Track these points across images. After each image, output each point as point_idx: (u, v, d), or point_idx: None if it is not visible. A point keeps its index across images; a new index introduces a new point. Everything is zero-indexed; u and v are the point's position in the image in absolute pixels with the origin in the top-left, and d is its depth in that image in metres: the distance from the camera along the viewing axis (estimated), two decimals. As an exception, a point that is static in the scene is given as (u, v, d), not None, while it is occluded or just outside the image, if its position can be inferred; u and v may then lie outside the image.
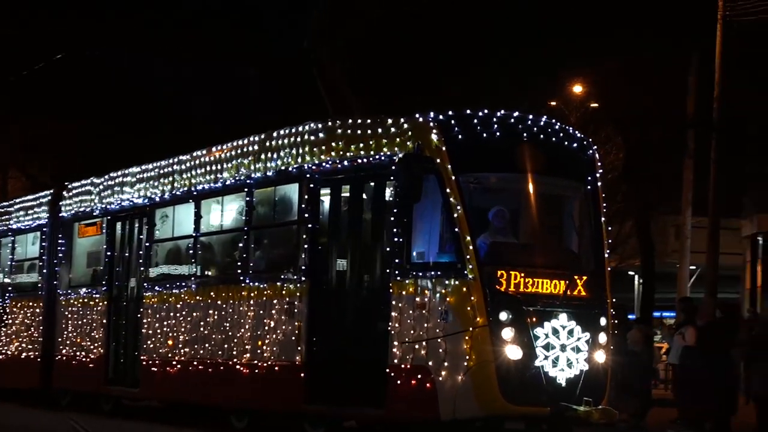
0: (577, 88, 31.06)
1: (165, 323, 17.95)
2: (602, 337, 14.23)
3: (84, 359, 19.97)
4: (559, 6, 28.58)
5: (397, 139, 14.46)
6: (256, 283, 16.18)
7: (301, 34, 17.89)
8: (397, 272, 14.24)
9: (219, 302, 16.85)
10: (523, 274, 13.91)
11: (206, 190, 17.51)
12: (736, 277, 33.09)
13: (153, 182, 18.80)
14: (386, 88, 25.98)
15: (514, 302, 13.77)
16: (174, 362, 17.65)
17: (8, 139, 36.70)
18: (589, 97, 31.07)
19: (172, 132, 31.44)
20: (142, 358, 18.39)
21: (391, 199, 14.51)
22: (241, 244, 16.67)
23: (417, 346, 13.97)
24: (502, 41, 29.13)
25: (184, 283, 17.68)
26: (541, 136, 14.62)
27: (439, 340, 13.79)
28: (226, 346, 16.58)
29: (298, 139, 15.80)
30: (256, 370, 15.96)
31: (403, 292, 14.17)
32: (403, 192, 14.11)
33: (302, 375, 15.11)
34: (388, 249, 14.40)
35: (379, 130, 14.71)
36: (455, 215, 13.86)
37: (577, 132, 15.09)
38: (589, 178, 14.82)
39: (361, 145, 14.88)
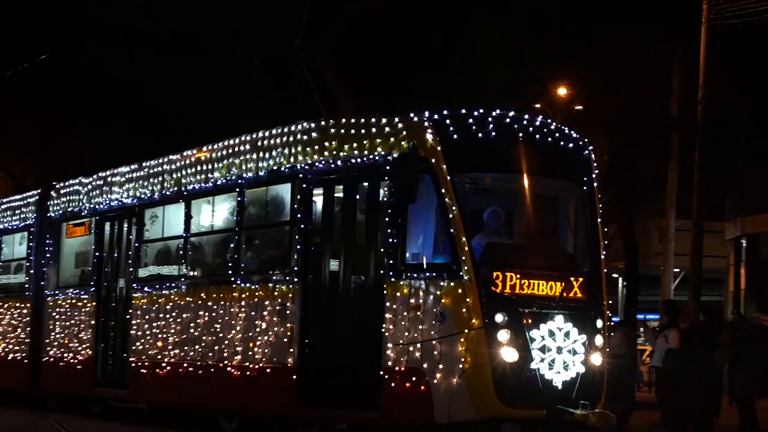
0: (562, 91, 30.84)
1: (154, 325, 17.55)
2: (599, 340, 13.94)
3: (72, 361, 19.55)
4: (543, 9, 28.35)
5: (392, 139, 14.11)
6: (248, 284, 15.82)
7: (292, 33, 17.46)
8: (391, 273, 13.90)
9: (209, 303, 16.46)
10: (519, 276, 13.59)
11: (197, 189, 17.13)
12: (719, 280, 32.96)
13: (142, 182, 18.41)
14: (377, 88, 25.67)
15: (510, 304, 13.44)
16: (163, 364, 17.24)
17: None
18: (574, 99, 30.85)
19: (163, 131, 31.02)
20: (130, 360, 17.98)
21: (385, 199, 14.19)
22: (232, 245, 16.31)
23: (411, 348, 13.63)
24: (486, 44, 28.89)
25: (173, 284, 17.29)
26: (537, 136, 14.29)
27: (434, 342, 13.47)
28: (216, 347, 16.19)
29: (291, 139, 15.44)
30: (247, 373, 15.58)
31: (398, 294, 13.84)
32: (398, 192, 13.76)
33: (294, 377, 14.75)
34: (382, 250, 14.06)
35: (373, 130, 14.38)
36: (450, 216, 13.52)
37: (573, 132, 14.71)
38: (585, 178, 14.52)
39: (355, 144, 14.54)
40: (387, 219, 13.95)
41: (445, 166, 13.60)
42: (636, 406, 19.56)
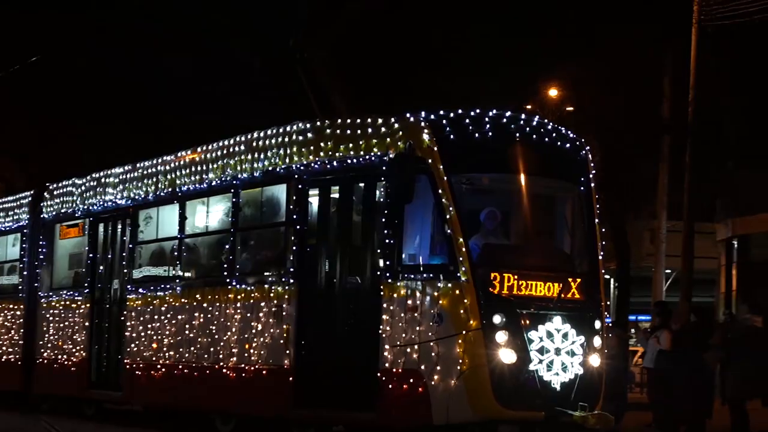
0: (553, 92, 30.66)
1: (149, 326, 17.35)
2: (597, 341, 13.81)
3: (66, 363, 19.34)
4: (532, 10, 28.20)
5: (388, 139, 13.95)
6: (243, 286, 15.63)
7: (287, 33, 17.28)
8: (387, 274, 13.74)
9: (205, 305, 16.27)
10: (516, 277, 13.44)
11: (191, 190, 16.94)
12: (711, 281, 32.77)
13: (136, 183, 18.22)
14: (375, 88, 25.51)
15: (508, 305, 13.29)
16: (158, 366, 17.04)
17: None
18: (565, 100, 30.64)
19: (163, 131, 30.77)
20: (125, 361, 17.79)
21: (381, 199, 14.03)
22: (227, 246, 16.12)
23: (409, 350, 13.46)
24: (481, 44, 28.74)
25: (168, 286, 17.10)
26: (534, 136, 14.15)
27: (431, 344, 13.31)
28: (212, 349, 16.00)
29: (286, 139, 15.27)
30: (243, 374, 15.40)
31: (394, 295, 13.67)
32: (394, 193, 13.59)
33: (290, 379, 14.58)
34: (378, 251, 13.91)
35: (369, 130, 14.21)
36: (447, 216, 13.37)
37: (570, 132, 14.54)
38: (583, 179, 14.38)
39: (351, 145, 14.37)
40: (383, 220, 13.78)
41: (441, 167, 13.45)
42: (628, 407, 19.47)
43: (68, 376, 19.16)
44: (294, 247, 14.71)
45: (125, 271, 18.14)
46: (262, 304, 15.17)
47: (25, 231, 21.33)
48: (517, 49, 27.96)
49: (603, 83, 27.10)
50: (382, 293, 13.74)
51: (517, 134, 14.00)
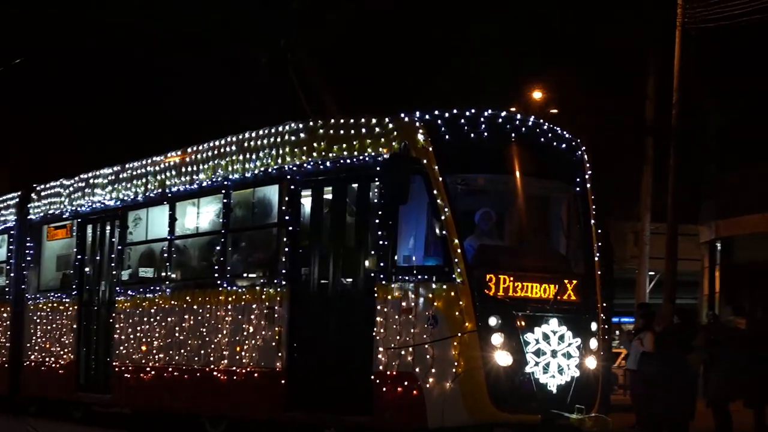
0: (537, 94, 30.45)
1: (138, 328, 17.00)
2: (593, 343, 13.54)
3: (53, 365, 18.97)
4: (518, 12, 28.00)
5: (382, 139, 13.64)
6: (234, 288, 15.31)
7: (278, 33, 16.95)
8: (382, 276, 13.44)
9: (195, 307, 15.93)
10: (512, 278, 13.17)
11: (181, 191, 16.60)
12: (694, 283, 32.61)
13: (125, 184, 17.88)
14: (366, 89, 25.25)
15: (504, 307, 13.01)
16: (148, 368, 16.68)
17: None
18: (549, 103, 30.43)
19: (164, 131, 30.36)
20: (114, 364, 17.45)
21: (375, 200, 13.72)
22: (218, 247, 15.79)
23: (403, 352, 13.17)
24: (460, 46, 28.54)
25: (158, 287, 16.76)
26: (530, 136, 13.88)
27: (426, 346, 13.02)
28: (202, 351, 15.68)
29: (279, 140, 14.94)
30: (235, 377, 15.06)
31: (389, 297, 13.37)
32: (389, 193, 13.27)
33: (283, 381, 14.28)
34: (372, 252, 13.60)
35: (363, 130, 13.90)
36: (443, 217, 13.08)
37: (565, 132, 14.24)
38: (578, 179, 14.11)
39: (344, 145, 14.05)
40: (377, 221, 13.50)
41: (436, 167, 13.16)
42: (611, 408, 19.23)
43: (56, 379, 18.84)
44: (286, 249, 14.41)
45: (114, 272, 17.82)
46: (254, 306, 14.86)
47: (11, 232, 20.98)
48: (502, 53, 27.78)
49: (587, 85, 26.93)
50: (376, 295, 13.45)
51: (513, 134, 13.73)
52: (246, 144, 15.44)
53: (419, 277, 13.18)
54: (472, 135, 13.49)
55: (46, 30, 32.84)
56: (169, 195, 16.80)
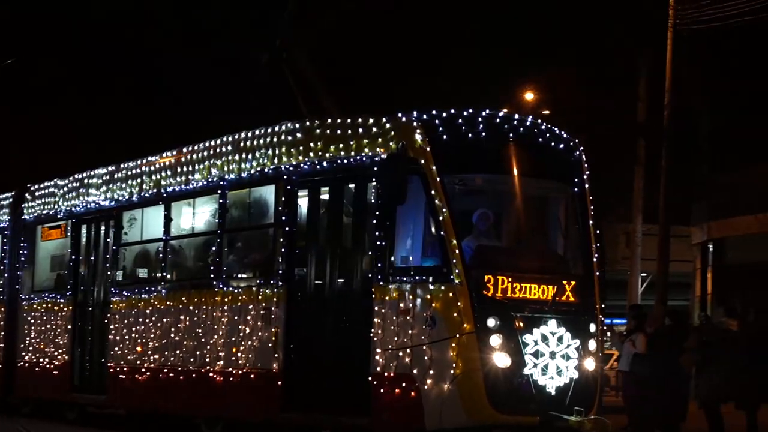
0: (529, 95, 30.32)
1: (133, 329, 16.78)
2: (592, 344, 13.37)
3: (48, 366, 18.74)
4: (510, 12, 27.89)
5: (379, 139, 13.46)
6: (231, 288, 15.12)
7: (273, 33, 16.74)
8: (379, 277, 13.25)
9: (191, 308, 15.72)
10: (510, 279, 12.99)
11: (177, 192, 16.40)
12: (686, 284, 32.50)
13: (120, 184, 17.67)
14: (357, 88, 25.08)
15: (502, 308, 12.84)
16: (143, 369, 16.47)
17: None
18: (541, 104, 30.28)
19: (165, 131, 30.17)
20: (109, 365, 17.23)
21: (373, 200, 13.55)
22: (214, 248, 15.61)
23: (401, 354, 12.99)
24: (453, 47, 28.42)
25: (153, 288, 16.54)
26: (528, 136, 13.73)
27: (424, 348, 12.83)
28: (198, 352, 15.47)
29: (275, 140, 14.76)
30: (231, 378, 14.87)
31: (386, 298, 13.19)
32: (387, 194, 13.08)
33: (279, 383, 14.09)
34: (370, 253, 13.43)
35: (360, 130, 13.71)
36: (441, 218, 12.90)
37: (563, 133, 14.07)
38: (577, 179, 13.94)
39: (341, 145, 13.87)
40: (375, 221, 13.33)
41: (434, 167, 12.99)
42: (603, 410, 19.06)
43: (50, 380, 18.60)
44: (283, 249, 14.23)
45: (109, 273, 17.61)
46: (250, 306, 14.66)
47: (5, 233, 20.74)
48: (494, 53, 27.66)
49: (579, 86, 26.81)
50: (373, 296, 13.27)
51: (511, 134, 13.58)
52: (242, 144, 15.26)
53: (417, 277, 13.01)
54: (470, 135, 13.33)
55: (46, 30, 32.65)
56: (165, 195, 16.60)
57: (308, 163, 14.18)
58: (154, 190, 16.84)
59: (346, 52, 26.30)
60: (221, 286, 15.22)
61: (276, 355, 14.11)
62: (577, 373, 13.04)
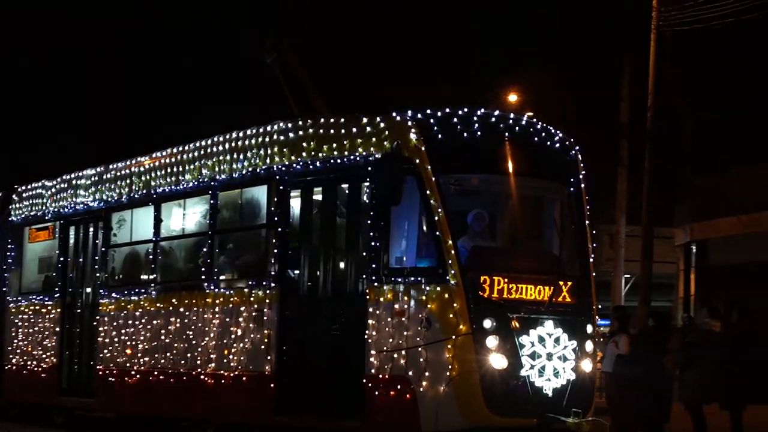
0: (512, 97, 30.08)
1: (123, 331, 16.37)
2: (589, 346, 13.06)
3: (35, 369, 18.30)
4: (494, 14, 27.66)
5: (373, 139, 13.11)
6: (222, 290, 14.74)
7: (263, 33, 16.39)
8: (374, 278, 12.91)
9: (181, 309, 15.31)
10: (506, 280, 12.66)
11: (167, 192, 16.01)
12: (669, 286, 32.31)
13: (109, 185, 17.26)
14: (351, 89, 24.76)
15: (498, 309, 12.51)
16: (132, 372, 16.06)
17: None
18: (524, 105, 30.03)
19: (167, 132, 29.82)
20: (97, 367, 16.83)
21: (366, 201, 13.20)
22: (205, 249, 15.21)
23: (396, 356, 12.64)
24: (436, 49, 28.17)
25: (143, 290, 16.13)
26: (523, 135, 13.42)
27: (419, 349, 12.48)
28: (189, 355, 15.09)
29: (267, 139, 14.39)
30: (222, 381, 14.49)
31: (381, 299, 12.84)
32: (381, 194, 12.76)
33: (272, 385, 13.71)
34: (364, 253, 13.07)
35: (354, 130, 13.36)
36: (436, 218, 12.56)
37: (559, 132, 13.75)
38: (572, 179, 13.65)
39: (335, 145, 13.52)
40: (369, 221, 12.99)
41: (429, 167, 12.65)
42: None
43: (38, 383, 18.17)
44: (275, 250, 13.87)
45: (98, 275, 17.19)
46: (242, 308, 14.29)
47: (-8, 234, 20.27)
48: (477, 55, 27.43)
49: (562, 88, 26.57)
50: (367, 297, 12.93)
51: (506, 134, 13.27)
52: (233, 144, 14.89)
53: (412, 278, 12.66)
54: (465, 134, 13.01)
55: (45, 29, 32.28)
56: (155, 196, 16.21)
57: (301, 163, 13.83)
58: (144, 191, 16.45)
59: (335, 52, 25.98)
60: (212, 287, 14.84)
61: (268, 357, 13.75)
62: (574, 374, 12.73)
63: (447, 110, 13.14)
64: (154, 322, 15.78)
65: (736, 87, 25.30)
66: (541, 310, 12.67)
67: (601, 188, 28.57)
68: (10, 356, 19.06)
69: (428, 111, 13.06)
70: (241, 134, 14.82)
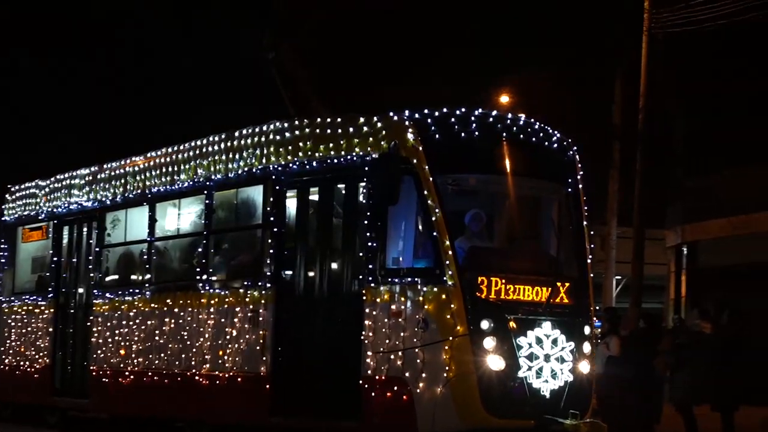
0: (504, 98, 29.96)
1: (117, 332, 16.19)
2: (586, 347, 12.92)
3: (28, 369, 18.10)
4: (486, 15, 27.55)
5: (370, 139, 12.97)
6: (217, 290, 14.55)
7: (260, 34, 16.25)
8: (370, 278, 12.75)
9: (176, 310, 15.14)
10: (504, 281, 12.50)
11: (162, 192, 15.81)
12: (660, 287, 32.24)
13: (103, 184, 17.07)
14: (348, 87, 24.63)
15: (496, 310, 12.35)
16: (126, 373, 15.86)
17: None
18: (516, 107, 29.92)
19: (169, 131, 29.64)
20: (91, 368, 16.62)
21: (363, 201, 13.04)
22: (200, 249, 15.01)
23: (393, 357, 12.49)
24: (428, 49, 28.04)
25: (137, 290, 15.95)
26: (521, 135, 13.26)
27: (416, 350, 12.33)
28: (183, 356, 14.89)
29: (263, 139, 14.22)
30: (217, 381, 14.31)
31: (378, 300, 12.69)
32: (379, 194, 12.60)
33: (267, 386, 13.54)
34: (360, 254, 12.91)
35: (351, 129, 13.21)
36: (433, 218, 12.41)
37: (557, 132, 13.60)
38: (570, 179, 13.50)
39: (331, 144, 13.36)
40: (366, 222, 12.83)
41: (427, 167, 12.50)
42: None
43: (31, 383, 17.95)
44: (271, 251, 13.69)
45: (92, 275, 16.99)
46: (237, 309, 14.12)
47: (-16, 235, 20.08)
48: (469, 56, 27.32)
49: (554, 89, 26.47)
50: (364, 298, 12.77)
51: (504, 134, 13.11)
52: (229, 143, 14.71)
53: (409, 279, 12.51)
54: (463, 134, 12.87)
55: (45, 29, 32.06)
56: (149, 196, 16.02)
57: (297, 163, 13.67)
58: (138, 191, 16.26)
59: (335, 52, 25.85)
60: (207, 288, 14.67)
61: (264, 358, 13.58)
62: (572, 375, 12.58)
63: (444, 110, 13.00)
64: (149, 322, 15.59)
65: (728, 89, 25.21)
66: (538, 311, 12.53)
67: (592, 189, 28.51)
68: (3, 356, 18.84)
69: (426, 111, 12.92)
70: (237, 134, 14.65)
